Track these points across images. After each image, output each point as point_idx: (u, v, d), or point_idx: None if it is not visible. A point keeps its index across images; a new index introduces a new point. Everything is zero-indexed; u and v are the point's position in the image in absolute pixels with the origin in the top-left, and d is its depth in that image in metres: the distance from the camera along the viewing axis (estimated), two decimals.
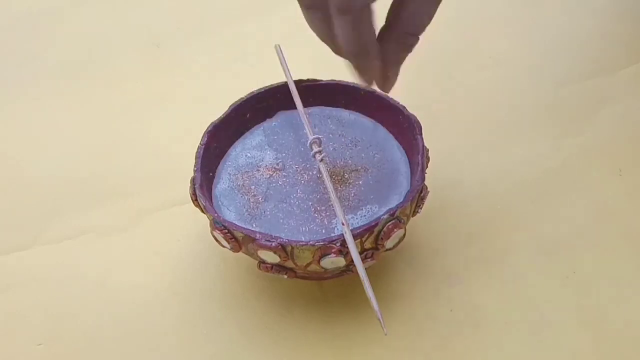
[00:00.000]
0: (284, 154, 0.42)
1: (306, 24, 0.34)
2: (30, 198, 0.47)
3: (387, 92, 0.37)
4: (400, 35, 0.34)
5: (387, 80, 0.36)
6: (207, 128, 0.41)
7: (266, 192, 0.40)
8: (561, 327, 0.39)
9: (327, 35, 0.34)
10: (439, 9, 0.34)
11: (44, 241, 0.45)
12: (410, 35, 0.34)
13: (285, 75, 0.42)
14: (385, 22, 0.35)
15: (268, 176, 0.41)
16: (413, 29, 0.34)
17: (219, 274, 0.43)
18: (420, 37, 0.35)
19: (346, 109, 0.44)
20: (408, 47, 0.35)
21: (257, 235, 0.36)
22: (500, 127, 0.49)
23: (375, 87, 0.37)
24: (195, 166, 0.40)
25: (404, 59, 0.36)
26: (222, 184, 0.41)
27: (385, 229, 0.36)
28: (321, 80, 0.43)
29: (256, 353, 0.39)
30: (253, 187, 0.40)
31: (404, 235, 0.37)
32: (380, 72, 0.35)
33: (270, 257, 0.36)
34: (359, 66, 0.35)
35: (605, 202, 0.44)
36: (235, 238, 0.37)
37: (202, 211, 0.39)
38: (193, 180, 0.39)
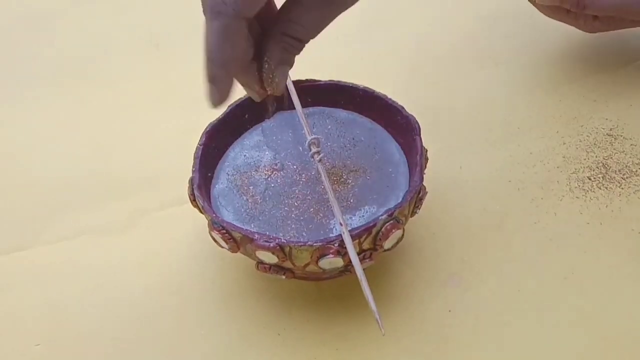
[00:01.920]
0: (282, 154, 0.42)
1: None
2: (30, 198, 0.48)
3: (277, 94, 0.36)
4: (278, 35, 0.33)
5: (273, 82, 0.34)
6: (206, 128, 0.41)
7: (264, 192, 0.40)
8: (561, 327, 0.39)
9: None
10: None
11: (43, 241, 0.45)
12: (289, 37, 0.33)
13: None
14: (273, 19, 0.34)
15: (266, 176, 0.41)
16: (293, 33, 0.33)
17: (218, 274, 0.43)
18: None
19: (345, 109, 0.43)
20: (288, 47, 0.33)
21: (256, 235, 0.36)
22: (499, 127, 0.49)
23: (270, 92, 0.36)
24: (193, 166, 0.40)
25: (287, 60, 0.34)
26: (221, 184, 0.41)
27: (383, 229, 0.36)
28: (320, 81, 0.43)
29: (254, 353, 0.39)
30: (251, 187, 0.40)
31: (403, 235, 0.37)
32: (258, 80, 0.35)
33: (269, 258, 0.36)
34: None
35: (604, 202, 0.44)
36: (234, 238, 0.37)
37: (201, 211, 0.39)
38: (191, 181, 0.39)
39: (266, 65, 0.34)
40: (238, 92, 0.43)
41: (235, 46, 0.31)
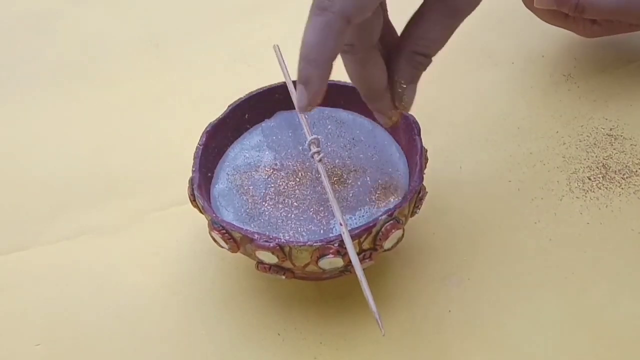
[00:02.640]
0: (282, 154, 0.42)
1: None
2: (30, 198, 0.48)
3: (406, 111, 0.37)
4: (409, 54, 0.34)
5: (403, 102, 0.35)
6: (206, 128, 0.41)
7: (264, 192, 0.40)
8: (561, 327, 0.39)
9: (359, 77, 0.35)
10: None
11: (43, 241, 0.45)
12: (420, 55, 0.34)
13: (284, 76, 0.42)
14: (398, 41, 0.35)
15: (266, 176, 0.41)
16: (422, 49, 0.34)
17: (217, 275, 0.43)
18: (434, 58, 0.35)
19: (345, 109, 0.43)
20: (418, 66, 0.34)
21: (255, 235, 0.36)
22: (499, 127, 0.49)
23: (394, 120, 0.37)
24: (193, 166, 0.40)
25: (417, 77, 0.35)
26: (221, 184, 0.41)
27: (383, 229, 0.36)
28: None
29: (254, 353, 0.39)
30: (251, 187, 0.40)
31: (402, 235, 0.37)
32: (391, 106, 0.35)
33: (269, 258, 0.36)
34: (372, 106, 0.36)
35: (604, 202, 0.44)
36: (234, 238, 0.37)
37: (201, 211, 0.39)
38: (191, 181, 0.39)
39: (399, 86, 0.35)
40: (237, 92, 0.43)
41: (334, 47, 0.31)
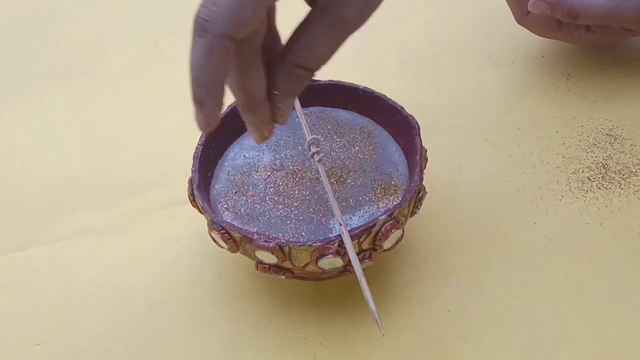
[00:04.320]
0: (282, 155, 0.42)
1: None
2: (29, 198, 0.48)
3: (282, 124, 0.34)
4: (289, 66, 0.32)
5: (278, 113, 0.33)
6: None
7: (264, 192, 0.40)
8: (560, 327, 0.39)
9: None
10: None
11: (42, 241, 0.45)
12: (300, 69, 0.32)
13: None
14: (281, 50, 0.33)
15: (266, 176, 0.41)
16: (304, 62, 0.32)
17: (217, 275, 0.43)
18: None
19: (344, 109, 0.43)
20: (297, 79, 0.32)
21: (255, 235, 0.36)
22: (499, 127, 0.49)
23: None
24: (193, 166, 0.40)
25: (296, 91, 0.33)
26: (220, 184, 0.41)
27: (383, 229, 0.36)
28: (319, 81, 0.43)
29: (254, 353, 0.39)
30: (251, 187, 0.40)
31: (402, 235, 0.37)
32: (269, 119, 0.33)
33: (268, 258, 0.36)
34: (248, 117, 0.33)
35: (604, 202, 0.44)
36: (233, 238, 0.37)
37: (200, 212, 0.39)
38: (191, 181, 0.39)
39: (275, 99, 0.33)
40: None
41: (221, 67, 0.30)
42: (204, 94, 0.30)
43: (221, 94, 0.31)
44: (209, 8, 0.29)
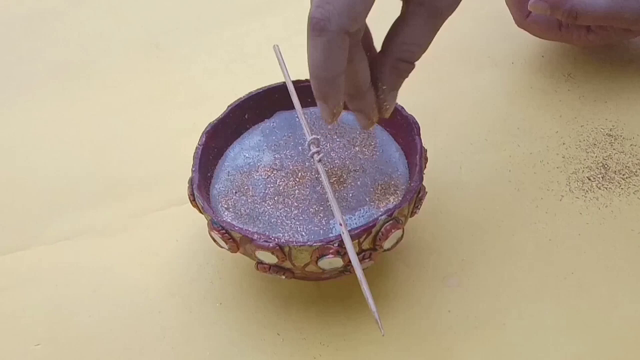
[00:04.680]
0: (282, 155, 0.42)
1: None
2: (29, 198, 0.48)
3: (387, 117, 0.37)
4: (393, 61, 0.34)
5: (383, 108, 0.36)
6: (206, 128, 0.41)
7: (264, 192, 0.40)
8: (560, 327, 0.39)
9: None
10: None
11: (43, 241, 0.45)
12: (403, 62, 0.34)
13: (284, 76, 0.42)
14: (381, 48, 0.35)
15: (266, 176, 0.41)
16: (407, 56, 0.34)
17: (217, 275, 0.43)
18: (416, 63, 0.35)
19: (345, 109, 0.43)
20: (402, 73, 0.35)
21: (255, 235, 0.36)
22: (499, 127, 0.49)
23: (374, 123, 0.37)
24: (193, 166, 0.40)
25: (399, 84, 0.35)
26: (220, 184, 0.41)
27: (383, 229, 0.36)
28: None
29: (254, 353, 0.39)
30: (251, 187, 0.40)
31: (402, 236, 0.37)
32: (373, 106, 0.35)
33: (268, 258, 0.36)
34: (355, 104, 0.35)
35: (604, 202, 0.44)
36: (233, 238, 0.37)
37: (200, 212, 0.39)
38: (191, 181, 0.39)
39: (382, 92, 0.35)
40: (236, 92, 0.43)
41: (341, 62, 0.32)
42: (328, 88, 0.32)
43: (342, 85, 0.33)
44: (324, 7, 0.31)
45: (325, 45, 0.31)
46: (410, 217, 0.39)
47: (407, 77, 0.35)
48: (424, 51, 0.34)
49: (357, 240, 0.36)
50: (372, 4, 0.32)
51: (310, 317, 0.40)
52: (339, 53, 0.31)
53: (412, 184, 0.38)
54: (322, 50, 0.31)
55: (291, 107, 0.42)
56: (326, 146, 0.42)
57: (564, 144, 0.47)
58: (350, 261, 0.35)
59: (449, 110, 0.50)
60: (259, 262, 0.38)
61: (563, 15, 0.45)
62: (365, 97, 0.35)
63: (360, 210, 0.39)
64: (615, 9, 0.45)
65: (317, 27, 0.31)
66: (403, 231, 0.37)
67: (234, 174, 0.41)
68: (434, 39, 0.35)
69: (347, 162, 0.41)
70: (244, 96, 0.43)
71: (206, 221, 0.38)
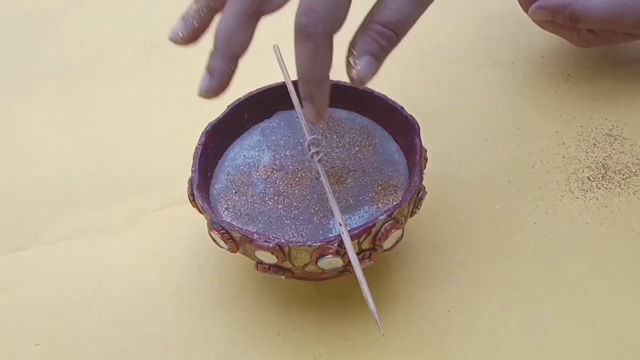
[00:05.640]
0: (281, 155, 0.42)
1: None
2: (29, 198, 0.48)
3: (357, 86, 0.35)
4: (367, 22, 0.33)
5: (352, 74, 0.34)
6: (205, 128, 0.41)
7: (264, 192, 0.40)
8: (559, 327, 0.39)
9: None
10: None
11: (42, 241, 0.45)
12: (378, 25, 0.33)
13: (284, 76, 0.42)
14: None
15: (266, 176, 0.41)
16: (382, 18, 0.33)
17: (217, 275, 0.43)
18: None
19: (344, 109, 0.43)
20: (375, 35, 0.33)
21: (255, 235, 0.36)
22: (499, 127, 0.49)
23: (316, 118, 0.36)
24: (193, 166, 0.40)
25: (371, 49, 0.33)
26: (220, 184, 0.41)
27: (383, 229, 0.36)
28: None
29: (254, 353, 0.39)
30: (251, 187, 0.40)
31: (402, 236, 0.37)
32: (326, 100, 0.35)
33: (268, 258, 0.36)
34: (307, 90, 0.34)
35: (604, 202, 0.44)
36: (233, 238, 0.37)
37: (200, 211, 0.39)
38: (191, 181, 0.39)
39: (351, 55, 0.34)
40: (236, 92, 0.43)
41: (328, 63, 0.33)
42: (315, 89, 0.33)
43: (329, 86, 0.34)
44: (308, 15, 0.32)
45: (312, 49, 0.32)
46: (410, 217, 0.39)
47: (385, 45, 0.33)
48: (406, 23, 0.33)
49: (356, 240, 0.36)
50: (350, 3, 0.32)
51: (310, 317, 0.40)
52: (326, 56, 0.32)
53: (412, 184, 0.38)
54: (309, 54, 0.32)
55: (291, 107, 0.42)
56: (326, 146, 0.42)
57: (563, 144, 0.48)
58: (350, 261, 0.35)
59: (449, 110, 0.50)
60: (259, 262, 0.38)
61: (564, 20, 0.45)
62: (321, 86, 0.34)
63: (360, 210, 0.39)
64: (616, 13, 0.45)
65: (304, 33, 0.32)
66: (403, 231, 0.37)
67: (233, 173, 0.41)
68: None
69: (347, 162, 0.41)
70: (243, 96, 0.43)
71: (206, 221, 0.38)
